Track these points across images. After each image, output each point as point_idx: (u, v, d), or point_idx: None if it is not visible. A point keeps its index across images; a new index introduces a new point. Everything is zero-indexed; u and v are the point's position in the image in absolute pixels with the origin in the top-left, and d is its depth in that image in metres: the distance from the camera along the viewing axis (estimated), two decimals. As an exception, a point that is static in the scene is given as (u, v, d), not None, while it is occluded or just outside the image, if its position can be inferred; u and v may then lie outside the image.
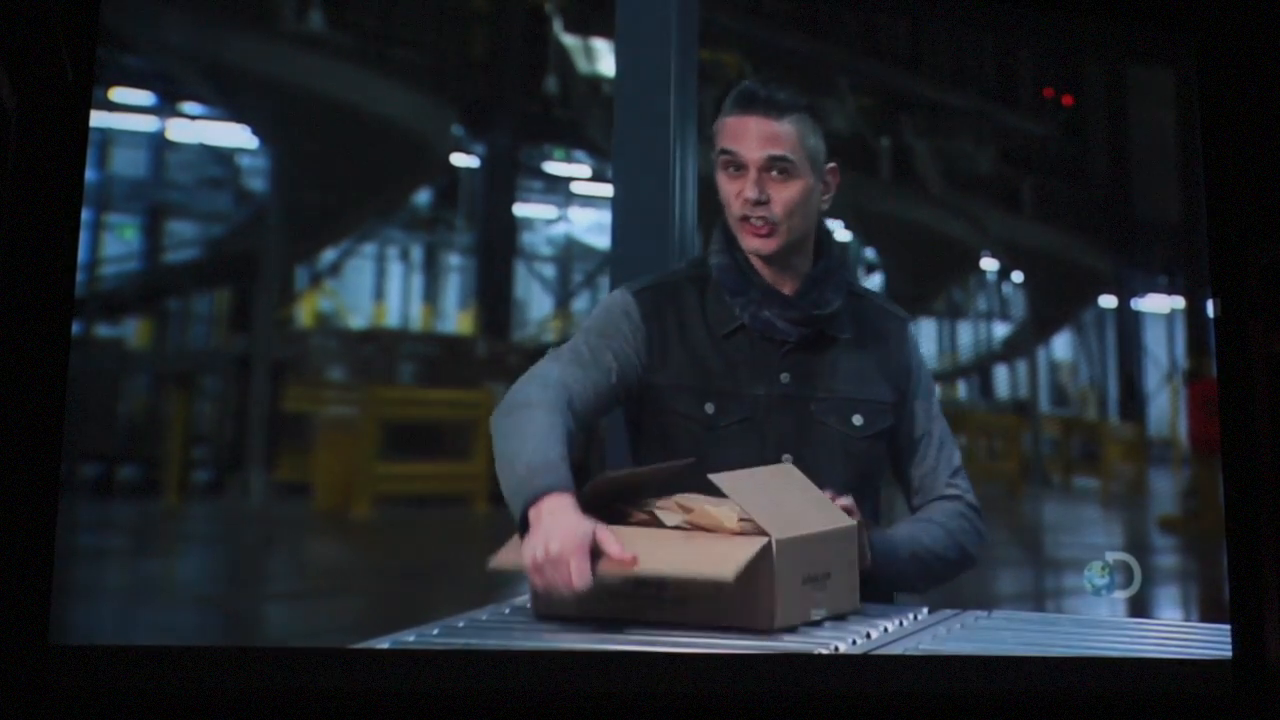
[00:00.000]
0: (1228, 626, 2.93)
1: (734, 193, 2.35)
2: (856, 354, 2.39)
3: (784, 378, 2.35)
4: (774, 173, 2.32)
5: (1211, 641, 2.89)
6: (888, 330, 2.43)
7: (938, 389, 2.48)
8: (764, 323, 2.36)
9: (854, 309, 2.42)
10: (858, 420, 2.37)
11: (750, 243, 2.35)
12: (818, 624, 2.18)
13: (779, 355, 2.36)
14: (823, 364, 2.38)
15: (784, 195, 2.33)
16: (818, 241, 2.40)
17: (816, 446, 2.35)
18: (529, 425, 2.19)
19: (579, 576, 2.02)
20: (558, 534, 2.03)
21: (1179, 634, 2.94)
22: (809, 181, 2.34)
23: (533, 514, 2.07)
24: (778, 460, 2.32)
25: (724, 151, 2.34)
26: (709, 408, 2.35)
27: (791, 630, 2.13)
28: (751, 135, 2.32)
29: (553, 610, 2.18)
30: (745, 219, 2.34)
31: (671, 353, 2.37)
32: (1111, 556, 2.85)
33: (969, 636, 2.44)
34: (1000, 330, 3.33)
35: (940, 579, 2.44)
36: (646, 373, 2.37)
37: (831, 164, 2.38)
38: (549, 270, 3.14)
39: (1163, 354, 3.30)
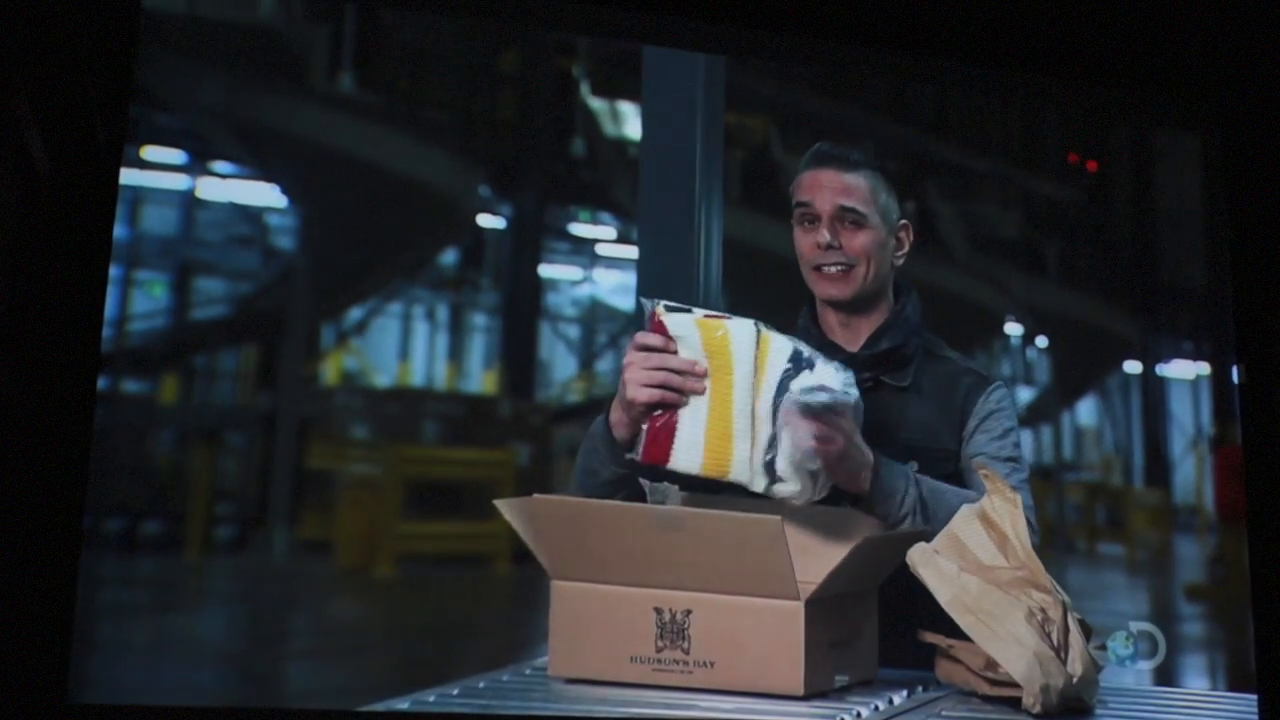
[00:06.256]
0: (1255, 697, 2.89)
1: (809, 243, 2.37)
2: (923, 404, 2.39)
3: None
4: (846, 222, 2.35)
5: (1238, 712, 2.84)
6: (960, 384, 2.43)
7: (1016, 443, 2.42)
8: None
9: (931, 366, 2.43)
10: (912, 467, 2.36)
11: (825, 290, 2.37)
12: (840, 690, 2.16)
13: None
14: (890, 413, 2.37)
15: (856, 241, 2.35)
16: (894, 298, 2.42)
17: None
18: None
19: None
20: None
21: (1205, 704, 2.89)
22: (881, 234, 2.36)
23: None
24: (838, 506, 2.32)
25: (799, 204, 2.37)
26: None
27: (812, 696, 2.11)
28: (825, 187, 2.36)
29: (575, 673, 2.17)
30: (819, 267, 2.36)
31: None
32: (1136, 627, 2.82)
33: (991, 705, 2.41)
34: (1025, 395, 3.32)
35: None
36: None
37: (904, 221, 2.39)
38: (573, 331, 3.16)
39: (1188, 420, 3.28)
